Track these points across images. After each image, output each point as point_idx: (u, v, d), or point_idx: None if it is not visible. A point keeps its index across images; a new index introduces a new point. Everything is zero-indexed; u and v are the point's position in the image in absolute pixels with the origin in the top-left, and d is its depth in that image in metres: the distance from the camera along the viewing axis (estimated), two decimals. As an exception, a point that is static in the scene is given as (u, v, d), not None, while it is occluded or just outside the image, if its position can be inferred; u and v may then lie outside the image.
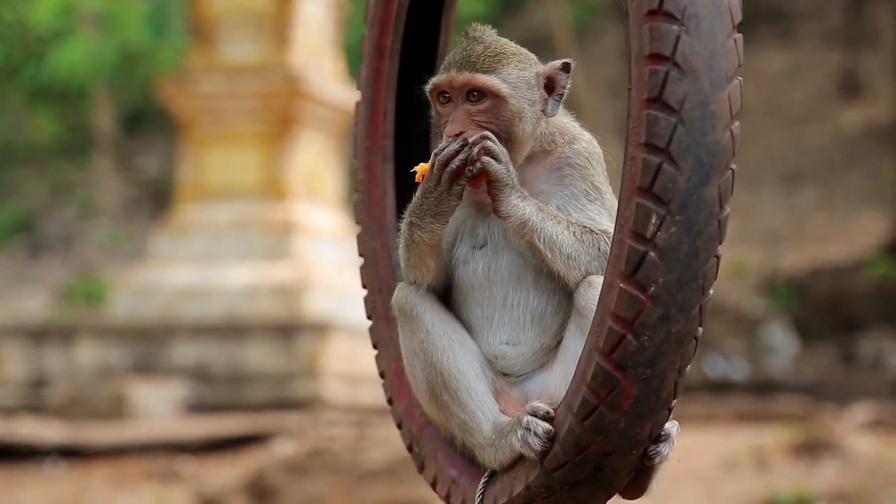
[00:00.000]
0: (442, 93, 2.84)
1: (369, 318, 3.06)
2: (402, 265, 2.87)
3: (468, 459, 2.85)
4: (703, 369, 17.79)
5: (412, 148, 3.11)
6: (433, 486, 2.89)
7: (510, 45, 2.87)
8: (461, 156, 2.73)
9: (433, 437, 2.90)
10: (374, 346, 3.05)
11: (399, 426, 2.98)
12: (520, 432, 2.68)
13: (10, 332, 16.39)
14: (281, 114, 16.76)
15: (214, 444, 12.70)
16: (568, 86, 2.88)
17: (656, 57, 2.49)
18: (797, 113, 31.38)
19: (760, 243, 25.51)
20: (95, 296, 24.86)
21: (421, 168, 2.80)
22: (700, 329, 2.58)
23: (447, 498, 2.86)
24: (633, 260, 2.51)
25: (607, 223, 2.82)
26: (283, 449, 11.98)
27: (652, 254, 2.50)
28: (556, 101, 2.87)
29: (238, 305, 16.03)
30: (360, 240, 3.09)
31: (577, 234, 2.78)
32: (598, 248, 2.79)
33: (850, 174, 29.96)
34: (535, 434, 2.65)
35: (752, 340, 20.83)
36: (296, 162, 16.83)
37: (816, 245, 26.79)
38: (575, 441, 2.60)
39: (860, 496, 9.94)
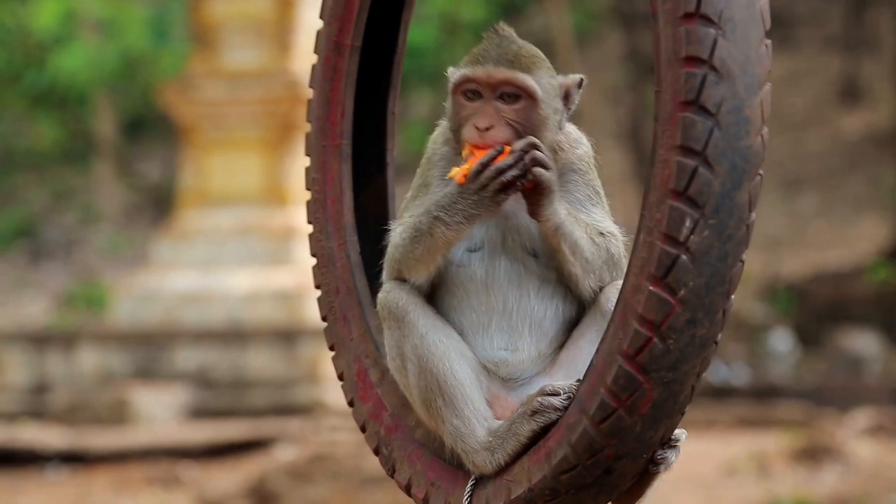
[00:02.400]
0: (469, 87, 2.77)
1: (324, 319, 2.98)
2: (400, 258, 2.78)
3: (448, 462, 2.80)
4: (704, 375, 17.79)
5: (366, 147, 3.03)
6: (407, 488, 2.83)
7: (539, 51, 2.85)
8: (514, 171, 2.67)
9: (405, 439, 2.84)
10: (331, 348, 2.97)
11: (363, 429, 2.91)
12: (534, 414, 2.66)
13: (12, 337, 16.40)
14: (282, 119, 16.78)
15: (216, 449, 12.71)
16: (577, 103, 2.87)
17: (693, 60, 2.47)
18: (797, 118, 31.41)
19: (761, 249, 25.52)
20: (97, 301, 24.87)
21: (462, 170, 2.71)
22: (721, 334, 2.58)
23: (426, 500, 2.80)
24: (664, 263, 2.49)
25: (611, 225, 2.82)
26: (284, 454, 11.99)
27: (684, 257, 2.49)
28: (566, 114, 2.86)
29: (239, 311, 16.05)
30: (314, 239, 3.00)
31: (592, 237, 2.77)
32: (608, 251, 2.79)
33: (850, 180, 29.98)
34: (552, 407, 2.64)
35: (753, 346, 20.84)
36: (297, 167, 16.84)
37: (817, 251, 26.81)
38: (588, 444, 2.57)
39: (861, 501, 9.95)
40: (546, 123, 2.79)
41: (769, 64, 2.52)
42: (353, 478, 10.07)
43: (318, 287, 2.99)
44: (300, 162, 16.90)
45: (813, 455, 11.25)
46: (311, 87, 3.02)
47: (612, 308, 2.68)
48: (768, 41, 2.53)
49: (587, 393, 2.58)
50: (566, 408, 2.63)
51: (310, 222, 3.02)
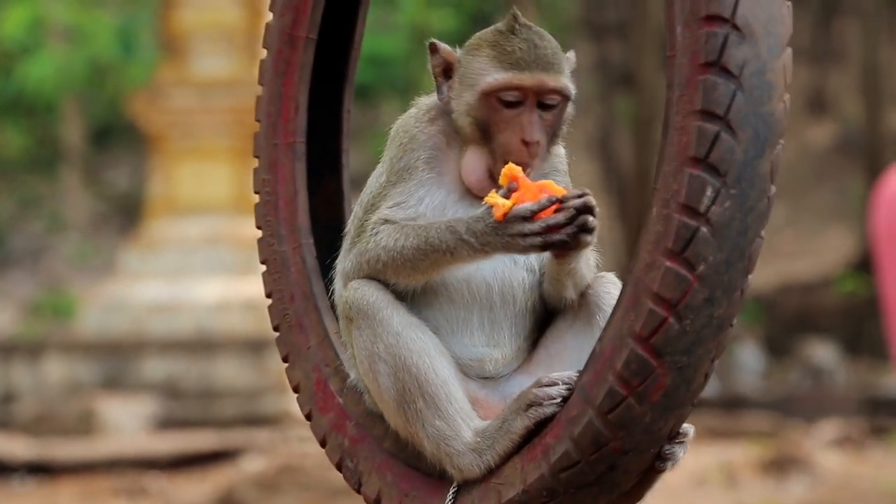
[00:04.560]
0: (510, 92, 2.60)
1: (276, 328, 2.80)
2: (389, 261, 2.58)
3: (423, 472, 2.61)
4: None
5: (318, 148, 2.86)
6: (376, 503, 2.65)
7: (552, 38, 2.70)
8: (562, 235, 2.48)
9: (372, 450, 2.66)
10: (285, 359, 2.78)
11: (323, 443, 2.72)
12: (529, 408, 2.47)
13: (-22, 347, 16.29)
14: (251, 129, 16.56)
15: (184, 459, 12.64)
16: None
17: (714, 18, 2.33)
18: (766, 130, 31.54)
19: (729, 259, 25.60)
20: (64, 310, 24.73)
21: (503, 205, 2.51)
22: (737, 316, 2.43)
23: None
24: (683, 236, 2.33)
25: None
26: (252, 465, 11.94)
27: (704, 229, 2.33)
28: None
29: (208, 321, 15.98)
30: (264, 244, 2.83)
31: (588, 261, 2.64)
32: (595, 265, 2.67)
33: (817, 191, 30.14)
34: (550, 398, 2.46)
35: (722, 357, 20.92)
36: (266, 177, 16.82)
37: (784, 261, 26.93)
38: (594, 437, 2.39)
39: (828, 512, 9.99)
40: (569, 119, 2.70)
41: (790, 26, 2.40)
42: (321, 489, 10.03)
43: (268, 296, 2.82)
44: (269, 171, 16.96)
45: (781, 466, 11.28)
46: (260, 83, 2.87)
47: (601, 300, 2.59)
48: (789, 2, 2.41)
49: (593, 381, 2.41)
50: (565, 400, 2.45)
51: (259, 226, 2.86)
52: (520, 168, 2.54)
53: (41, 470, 12.49)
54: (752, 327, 22.49)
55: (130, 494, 11.51)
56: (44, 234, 32.78)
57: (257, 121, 2.89)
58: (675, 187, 2.34)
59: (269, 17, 2.91)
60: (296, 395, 2.79)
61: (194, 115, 16.85)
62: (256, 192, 2.86)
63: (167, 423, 14.83)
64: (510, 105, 2.59)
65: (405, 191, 2.63)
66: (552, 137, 2.65)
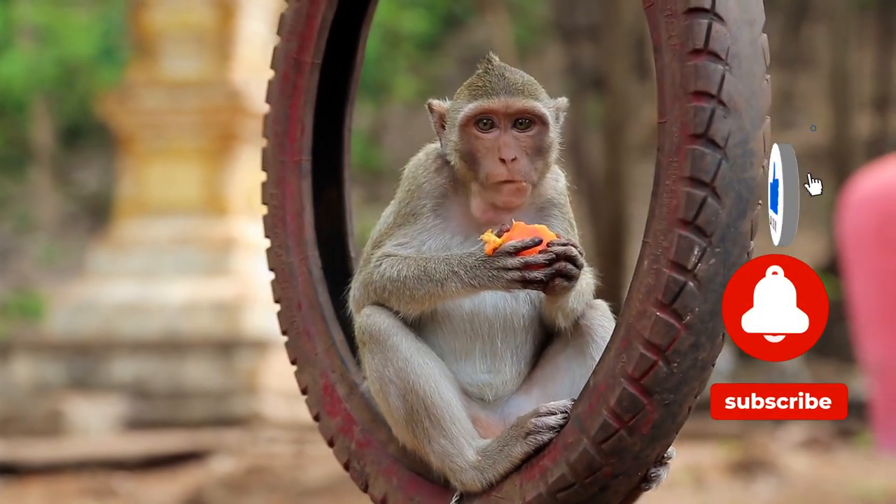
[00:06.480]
0: (483, 119, 2.84)
1: (285, 333, 3.04)
2: (394, 290, 2.83)
3: (427, 478, 2.86)
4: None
5: (321, 162, 3.08)
6: None
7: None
8: (538, 274, 2.73)
9: (379, 454, 2.90)
10: (293, 362, 3.02)
11: (331, 443, 2.96)
12: (528, 435, 2.73)
13: (-55, 347, 16.20)
14: (222, 130, 16.72)
15: (152, 460, 12.62)
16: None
17: (702, 94, 2.58)
18: (735, 134, 31.64)
19: (698, 263, 25.67)
20: (32, 311, 24.62)
21: (492, 241, 2.77)
22: (718, 356, 2.71)
23: None
24: (672, 290, 2.61)
25: (583, 260, 2.90)
26: (221, 466, 11.93)
27: (691, 284, 2.61)
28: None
29: (177, 321, 15.95)
30: (273, 254, 3.04)
31: (580, 297, 2.86)
32: (589, 295, 2.90)
33: (786, 195, 30.21)
34: (548, 427, 2.71)
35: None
36: (237, 178, 16.79)
37: (753, 265, 27.05)
38: (588, 463, 2.67)
39: (795, 514, 10.04)
40: (554, 147, 2.89)
41: (770, 98, 2.64)
42: (290, 490, 10.03)
43: (277, 302, 3.03)
44: (240, 172, 16.93)
45: (748, 468, 11.34)
46: (267, 102, 3.04)
47: (594, 331, 2.83)
48: (768, 76, 2.64)
49: (587, 413, 2.67)
50: (561, 426, 2.71)
51: (268, 236, 3.05)
52: (521, 221, 2.81)
53: (8, 471, 12.44)
54: (721, 330, 22.59)
55: (99, 495, 11.48)
56: (12, 234, 32.62)
57: (265, 137, 3.07)
58: (665, 245, 2.61)
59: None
60: (304, 397, 3.01)
61: (165, 116, 16.82)
62: (264, 204, 3.07)
63: (136, 424, 14.80)
64: (486, 130, 2.83)
65: (409, 233, 2.88)
66: (536, 159, 2.84)
